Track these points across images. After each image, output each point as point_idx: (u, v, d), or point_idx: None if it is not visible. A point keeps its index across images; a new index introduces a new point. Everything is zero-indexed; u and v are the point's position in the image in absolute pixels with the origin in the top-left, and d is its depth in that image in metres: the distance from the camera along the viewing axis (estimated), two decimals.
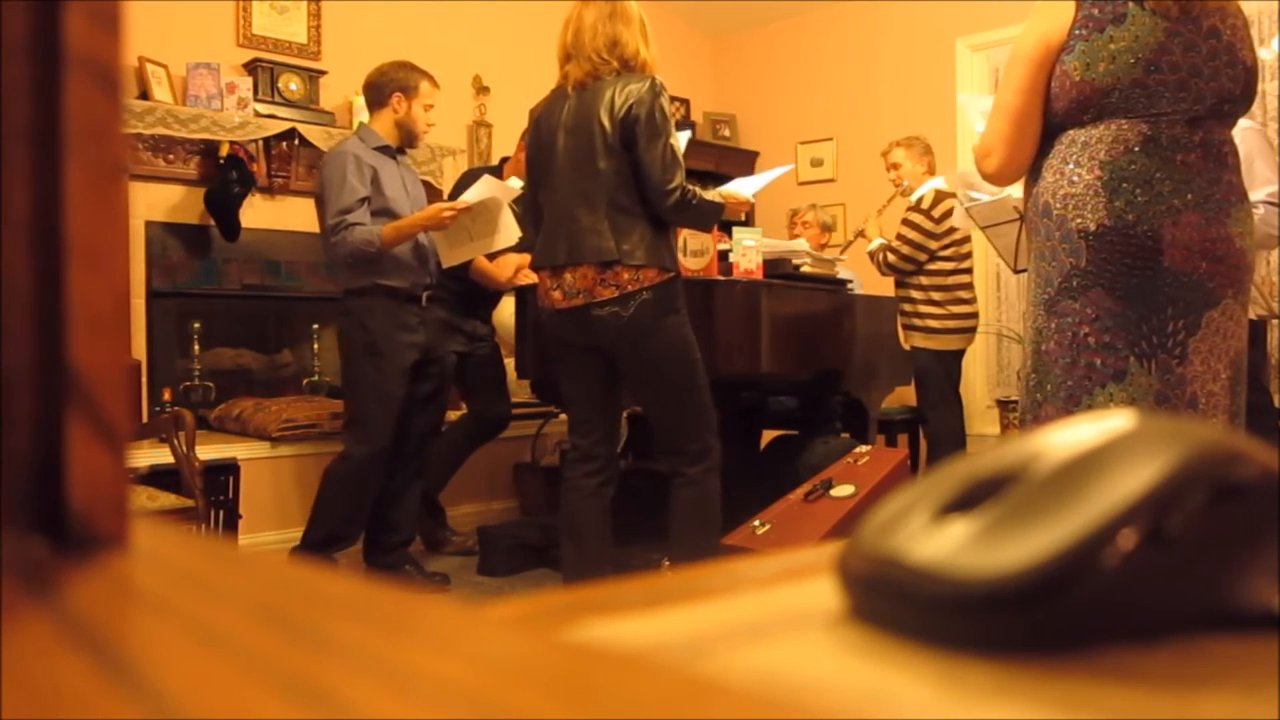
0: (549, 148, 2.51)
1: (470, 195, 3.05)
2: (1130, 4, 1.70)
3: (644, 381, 2.50)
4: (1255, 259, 1.82)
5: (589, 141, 2.42)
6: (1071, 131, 1.76)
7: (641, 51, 2.46)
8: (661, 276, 2.42)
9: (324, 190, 3.05)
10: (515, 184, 3.57)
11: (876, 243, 4.18)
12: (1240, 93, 1.74)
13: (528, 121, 2.67)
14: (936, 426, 4.09)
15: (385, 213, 3.05)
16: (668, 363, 2.46)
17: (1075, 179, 1.74)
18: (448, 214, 2.97)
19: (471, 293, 3.67)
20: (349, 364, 3.16)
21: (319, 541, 3.10)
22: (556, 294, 2.48)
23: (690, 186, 2.43)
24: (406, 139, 3.24)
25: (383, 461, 3.10)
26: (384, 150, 3.16)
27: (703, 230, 2.88)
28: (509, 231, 3.12)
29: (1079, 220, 1.72)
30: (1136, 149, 1.70)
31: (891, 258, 4.06)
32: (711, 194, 2.56)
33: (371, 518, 3.21)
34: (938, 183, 4.11)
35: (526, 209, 2.71)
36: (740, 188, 2.88)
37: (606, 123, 2.40)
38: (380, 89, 3.22)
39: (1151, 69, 1.69)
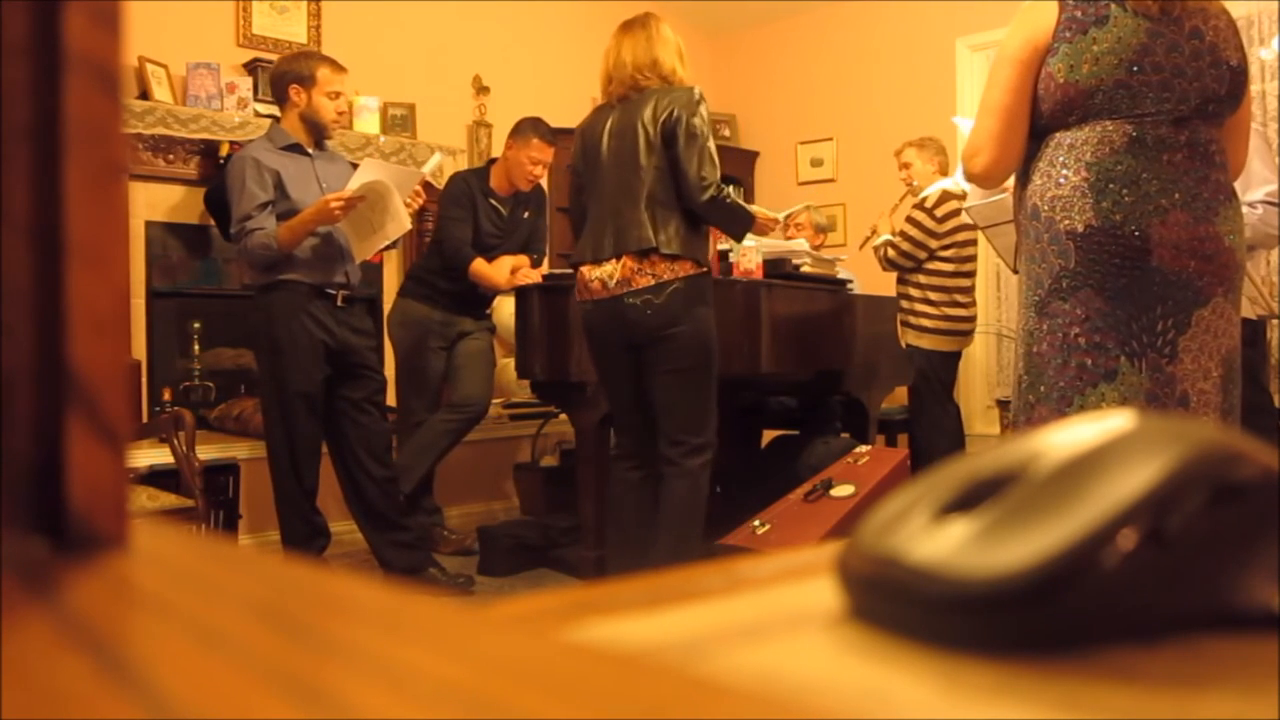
0: (594, 153, 2.68)
1: (354, 183, 2.94)
2: (1112, 6, 1.70)
3: (666, 368, 2.60)
4: (1245, 257, 1.81)
5: (633, 144, 2.59)
6: (1058, 134, 1.77)
7: (678, 70, 2.66)
8: (695, 270, 2.58)
9: (229, 197, 3.00)
10: (437, 158, 3.58)
11: (882, 238, 4.24)
12: (1225, 92, 1.75)
13: (575, 139, 2.80)
14: (924, 427, 4.11)
15: (292, 215, 2.95)
16: (691, 351, 2.58)
17: (1062, 181, 1.74)
18: (335, 205, 2.87)
19: (466, 293, 3.68)
20: (257, 360, 3.13)
21: (293, 544, 3.05)
22: (596, 284, 2.62)
23: (724, 187, 2.59)
24: (316, 132, 3.09)
25: (308, 456, 3.01)
26: (293, 149, 3.04)
27: (732, 236, 3.06)
28: (401, 218, 3.04)
29: (1067, 222, 1.73)
30: (1122, 150, 1.70)
31: (891, 253, 4.14)
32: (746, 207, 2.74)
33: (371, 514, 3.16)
34: (947, 184, 4.14)
35: (574, 215, 2.81)
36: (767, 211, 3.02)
37: (649, 126, 2.57)
38: (277, 84, 3.11)
39: (1134, 69, 1.69)
